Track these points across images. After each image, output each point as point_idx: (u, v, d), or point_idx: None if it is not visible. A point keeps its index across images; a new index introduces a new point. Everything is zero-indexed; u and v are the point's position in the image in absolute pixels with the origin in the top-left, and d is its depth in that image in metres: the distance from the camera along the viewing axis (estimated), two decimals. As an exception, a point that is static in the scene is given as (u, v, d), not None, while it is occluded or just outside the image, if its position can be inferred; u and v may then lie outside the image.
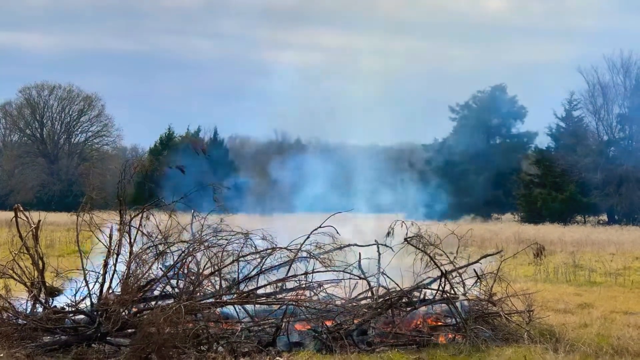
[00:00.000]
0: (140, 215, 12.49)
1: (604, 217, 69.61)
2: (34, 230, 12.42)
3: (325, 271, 12.77)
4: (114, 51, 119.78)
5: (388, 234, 13.51)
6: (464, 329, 12.79)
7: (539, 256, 14.47)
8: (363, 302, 13.11)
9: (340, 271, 12.86)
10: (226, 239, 12.66)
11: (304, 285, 12.62)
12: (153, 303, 12.19)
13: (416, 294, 13.22)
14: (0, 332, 11.54)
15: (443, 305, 13.40)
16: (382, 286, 13.25)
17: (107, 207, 12.86)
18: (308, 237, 12.83)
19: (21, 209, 12.62)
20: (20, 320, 11.83)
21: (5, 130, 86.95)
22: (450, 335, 13.01)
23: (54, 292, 12.32)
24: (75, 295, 12.21)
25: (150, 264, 12.29)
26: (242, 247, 12.67)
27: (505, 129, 75.51)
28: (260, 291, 12.56)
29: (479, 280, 13.57)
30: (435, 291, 13.21)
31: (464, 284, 13.46)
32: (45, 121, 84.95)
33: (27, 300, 12.21)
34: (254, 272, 12.62)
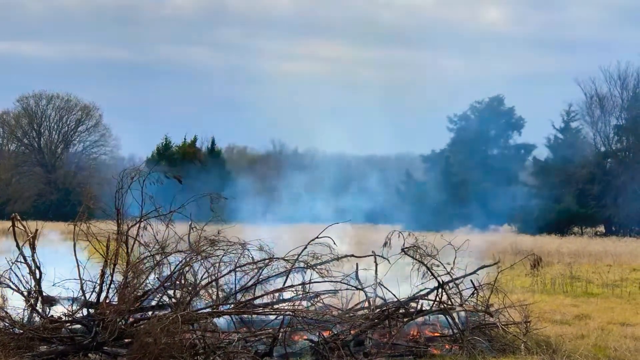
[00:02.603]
0: (137, 225, 12.49)
1: (601, 229, 69.60)
2: (31, 239, 12.42)
3: (323, 281, 12.77)
4: (112, 60, 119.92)
5: (385, 244, 13.52)
6: (461, 339, 12.79)
7: (536, 267, 14.49)
8: (360, 312, 13.11)
9: (337, 282, 12.86)
10: (223, 250, 12.66)
11: (301, 296, 12.63)
12: (150, 313, 12.19)
13: (413, 304, 13.22)
14: (-3, 341, 11.53)
15: (440, 316, 13.41)
16: (379, 297, 13.26)
17: (105, 216, 12.85)
18: (305, 248, 12.84)
19: (18, 218, 12.62)
20: (17, 330, 11.82)
21: (3, 139, 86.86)
22: (447, 346, 13.01)
23: (50, 301, 12.32)
24: (72, 304, 12.21)
25: (147, 274, 12.28)
26: (239, 258, 12.66)
27: (503, 140, 75.51)
28: (257, 301, 12.56)
29: (476, 291, 13.58)
30: (432, 302, 13.21)
31: (461, 294, 13.46)
32: (42, 130, 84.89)
33: (24, 310, 12.20)
34: (251, 283, 12.61)
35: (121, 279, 12.15)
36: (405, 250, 13.29)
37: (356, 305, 13.38)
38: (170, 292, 12.36)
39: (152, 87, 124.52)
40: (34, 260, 12.29)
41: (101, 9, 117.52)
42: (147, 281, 12.30)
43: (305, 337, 12.46)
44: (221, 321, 12.53)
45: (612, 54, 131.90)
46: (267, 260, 12.73)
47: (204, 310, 12.12)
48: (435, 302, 13.18)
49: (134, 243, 12.47)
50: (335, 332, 12.44)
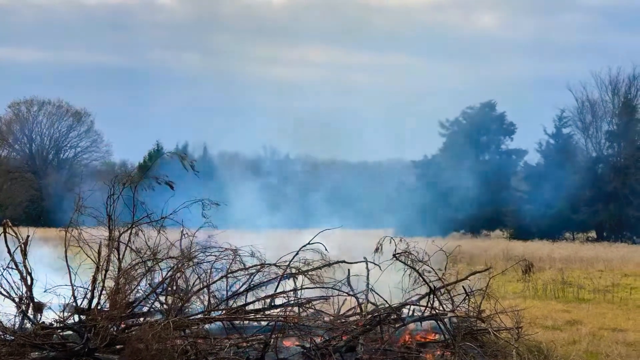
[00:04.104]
0: (129, 231, 12.48)
1: (593, 234, 69.71)
2: (22, 245, 12.41)
3: (314, 287, 12.78)
4: (104, 66, 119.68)
5: (376, 250, 13.52)
6: (452, 345, 12.79)
7: (528, 273, 14.50)
8: (352, 318, 13.11)
9: (328, 288, 12.86)
10: (215, 256, 12.66)
11: (292, 302, 12.62)
12: (141, 319, 12.17)
13: (405, 310, 13.23)
14: (-12, 348, 11.51)
15: (432, 321, 13.42)
16: (371, 302, 13.26)
17: (96, 223, 12.83)
18: (297, 254, 12.84)
19: (10, 224, 12.60)
20: (8, 336, 11.78)
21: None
22: (439, 352, 13.01)
23: (42, 308, 12.30)
24: (63, 311, 12.18)
25: (138, 280, 12.27)
26: (230, 264, 12.66)
27: (495, 145, 75.53)
28: (248, 307, 12.55)
29: (467, 297, 13.59)
30: (424, 308, 13.22)
31: (452, 300, 13.47)
32: (34, 137, 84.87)
33: (15, 316, 12.17)
34: (242, 289, 12.61)
35: (113, 285, 12.13)
36: (397, 256, 13.29)
37: (348, 311, 13.38)
38: (162, 298, 12.35)
39: (144, 92, 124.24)
40: (25, 266, 12.27)
41: (94, 14, 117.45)
42: (139, 287, 12.29)
43: (297, 343, 12.45)
44: (213, 327, 12.52)
45: (604, 59, 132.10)
46: (258, 267, 12.74)
47: (196, 317, 12.11)
48: (427, 308, 13.19)
49: (126, 249, 12.47)
50: (327, 338, 12.44)
